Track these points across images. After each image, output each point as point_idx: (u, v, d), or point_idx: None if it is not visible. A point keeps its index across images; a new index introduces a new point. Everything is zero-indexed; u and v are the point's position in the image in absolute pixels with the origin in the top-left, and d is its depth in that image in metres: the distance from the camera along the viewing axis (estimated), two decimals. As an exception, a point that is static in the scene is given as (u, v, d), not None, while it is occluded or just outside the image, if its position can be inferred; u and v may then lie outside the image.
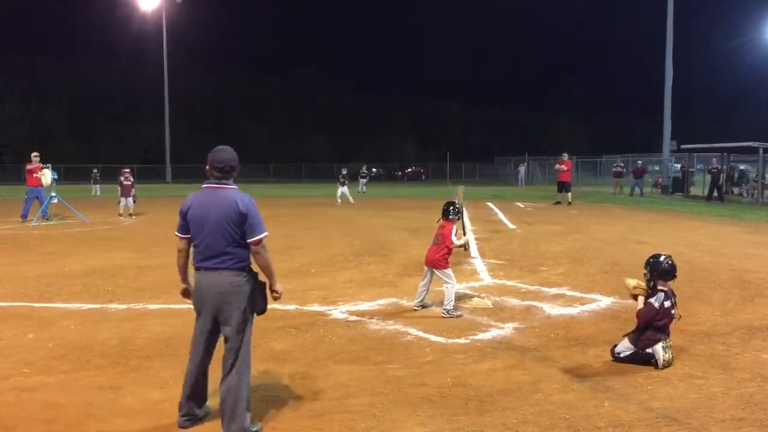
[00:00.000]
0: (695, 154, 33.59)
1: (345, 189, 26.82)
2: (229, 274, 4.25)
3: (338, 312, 7.31)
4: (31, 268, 10.47)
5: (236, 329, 4.22)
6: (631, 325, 6.65)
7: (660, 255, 5.81)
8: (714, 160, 28.69)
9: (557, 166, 26.22)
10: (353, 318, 7.05)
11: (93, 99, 73.34)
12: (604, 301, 7.83)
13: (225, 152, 4.48)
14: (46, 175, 18.30)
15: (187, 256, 4.47)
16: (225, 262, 4.25)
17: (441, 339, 6.20)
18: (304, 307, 7.54)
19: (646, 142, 57.02)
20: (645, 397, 4.74)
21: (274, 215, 21.82)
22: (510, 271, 9.88)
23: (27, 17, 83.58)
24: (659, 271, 5.67)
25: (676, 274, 5.75)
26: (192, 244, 4.44)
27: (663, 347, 5.46)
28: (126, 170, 21.11)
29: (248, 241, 4.28)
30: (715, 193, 27.22)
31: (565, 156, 26.26)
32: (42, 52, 74.04)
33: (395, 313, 7.24)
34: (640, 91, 77.05)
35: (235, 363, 4.22)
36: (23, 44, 73.79)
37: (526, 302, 7.78)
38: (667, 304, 5.57)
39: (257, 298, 4.36)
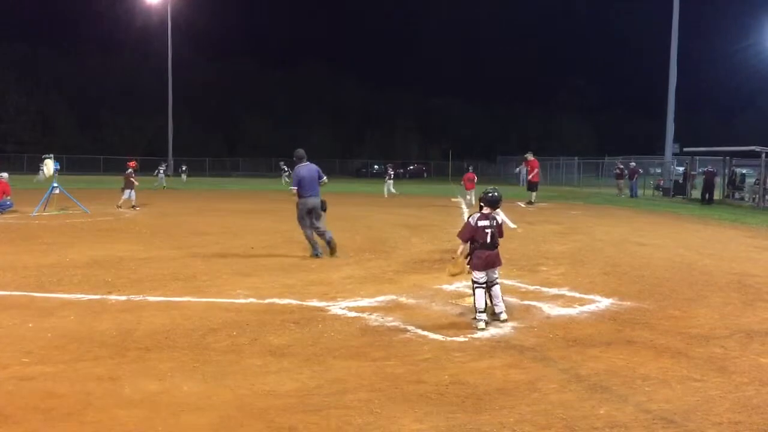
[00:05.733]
0: (698, 157, 33.62)
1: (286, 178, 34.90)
2: (316, 196, 11.28)
3: (337, 308, 7.32)
4: (32, 257, 10.50)
5: (320, 214, 11.27)
6: (631, 326, 6.69)
7: (489, 188, 7.01)
8: (709, 165, 29.12)
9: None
10: (352, 314, 7.06)
11: (97, 90, 73.38)
12: (603, 303, 7.83)
13: (301, 150, 11.62)
14: (49, 166, 18.34)
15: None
16: (315, 191, 11.30)
17: (439, 337, 6.21)
18: (304, 302, 7.54)
19: (650, 144, 57.03)
20: (642, 398, 4.74)
21: (274, 209, 21.82)
22: (510, 270, 9.88)
23: (32, 7, 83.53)
24: (485, 199, 6.85)
25: (498, 205, 6.90)
26: (300, 186, 11.25)
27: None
28: (131, 162, 21.28)
29: (321, 180, 11.42)
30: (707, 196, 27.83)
31: (529, 156, 25.96)
32: (47, 42, 74.18)
33: (394, 310, 7.24)
34: (644, 93, 76.89)
35: (323, 223, 11.24)
36: (28, 34, 73.82)
37: (526, 302, 7.77)
38: (481, 223, 6.68)
39: (324, 205, 11.40)
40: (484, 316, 6.62)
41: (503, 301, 6.94)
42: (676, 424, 4.27)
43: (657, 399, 4.73)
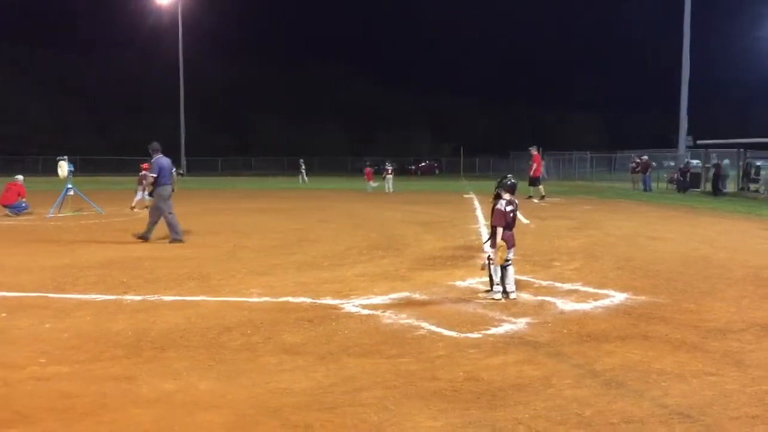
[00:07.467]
0: (711, 150, 33.40)
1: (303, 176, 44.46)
2: (171, 185, 12.74)
3: (351, 305, 7.32)
4: (48, 259, 10.58)
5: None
6: (646, 321, 6.66)
7: (506, 175, 7.87)
8: (714, 155, 29.27)
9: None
10: (366, 311, 7.06)
11: (110, 92, 73.81)
12: (617, 297, 7.79)
13: (157, 143, 12.80)
14: (63, 167, 18.45)
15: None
16: (170, 180, 12.73)
17: (453, 333, 6.20)
18: (318, 300, 7.56)
19: (663, 138, 56.62)
20: (658, 393, 4.71)
21: (287, 208, 21.92)
22: (523, 266, 9.84)
23: (45, 10, 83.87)
24: (502, 185, 7.65)
25: (515, 190, 7.70)
26: (161, 175, 12.52)
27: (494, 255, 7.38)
28: (145, 165, 21.43)
29: (172, 171, 13.43)
30: (705, 188, 28.37)
31: (533, 150, 25.78)
32: (60, 44, 74.57)
33: (408, 307, 7.25)
34: (658, 87, 76.40)
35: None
36: (41, 38, 74.26)
37: (539, 297, 7.75)
38: (508, 208, 7.54)
39: None
40: (500, 288, 7.50)
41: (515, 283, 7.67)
42: (692, 419, 4.25)
43: (673, 393, 4.70)
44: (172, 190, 12.93)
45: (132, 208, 20.30)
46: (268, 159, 71.35)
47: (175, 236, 12.54)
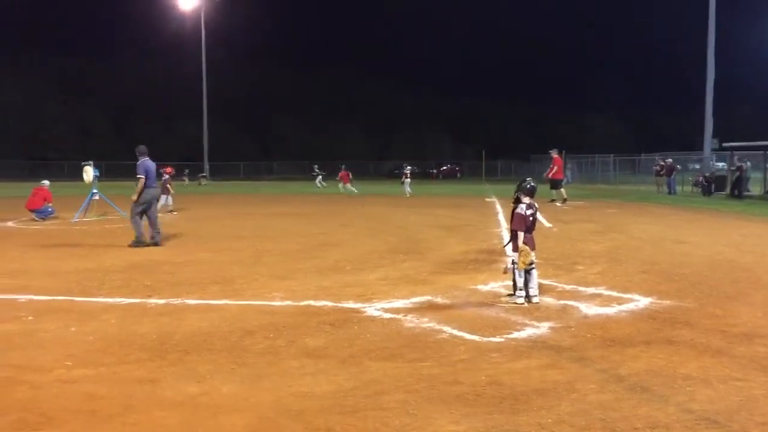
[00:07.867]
0: (736, 153, 33.03)
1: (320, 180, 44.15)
2: (156, 188, 13.56)
3: (373, 309, 7.33)
4: (73, 262, 10.71)
5: (157, 208, 13.26)
6: (671, 325, 6.58)
7: (525, 179, 7.94)
8: (736, 158, 29.13)
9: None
10: (388, 315, 7.06)
11: (133, 97, 74.56)
12: (642, 302, 7.71)
13: (143, 146, 13.08)
14: (88, 173, 18.67)
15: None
16: (155, 183, 13.30)
17: (475, 337, 6.17)
18: (339, 304, 7.57)
19: (687, 140, 55.99)
20: (684, 398, 4.66)
21: (310, 212, 21.99)
22: (546, 269, 9.77)
23: (66, 16, 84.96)
24: (522, 188, 7.66)
25: (534, 194, 7.70)
26: (147, 178, 12.56)
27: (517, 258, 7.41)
28: (168, 169, 21.66)
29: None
30: (729, 191, 28.31)
31: (554, 152, 25.70)
32: (82, 51, 75.42)
33: (430, 311, 7.23)
34: (682, 88, 75.46)
35: (156, 215, 12.99)
36: (63, 44, 75.25)
37: (562, 301, 7.70)
38: (528, 212, 7.55)
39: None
40: (523, 292, 7.47)
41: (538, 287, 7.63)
42: (719, 425, 4.19)
43: (699, 399, 4.64)
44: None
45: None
46: (290, 163, 71.74)
47: (137, 241, 12.59)
